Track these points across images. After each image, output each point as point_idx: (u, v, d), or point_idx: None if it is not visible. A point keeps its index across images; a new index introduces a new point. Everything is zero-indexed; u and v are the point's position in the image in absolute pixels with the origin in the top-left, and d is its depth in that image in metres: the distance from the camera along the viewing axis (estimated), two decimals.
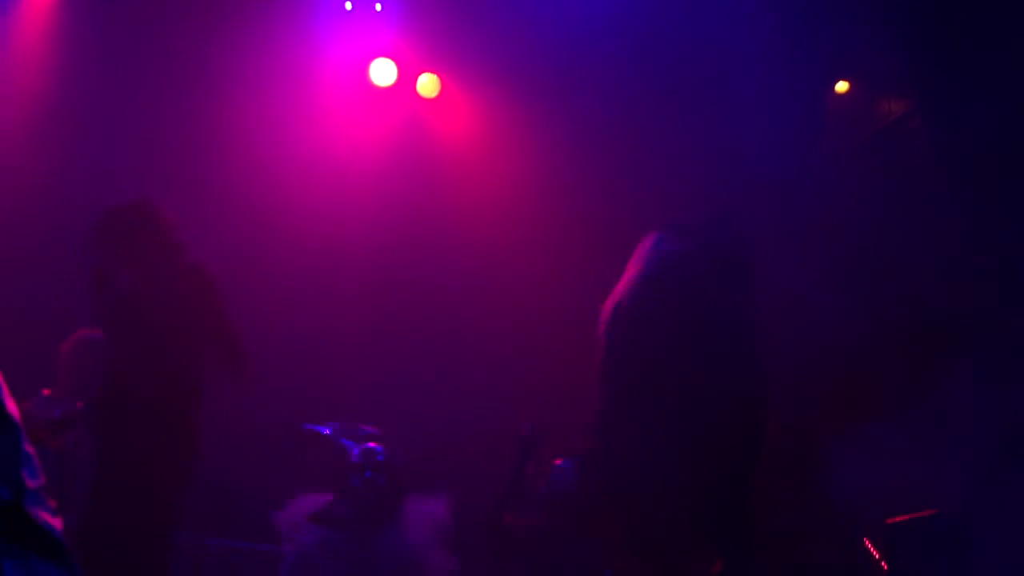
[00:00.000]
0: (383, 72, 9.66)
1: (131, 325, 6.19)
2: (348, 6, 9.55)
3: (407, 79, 9.76)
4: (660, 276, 5.82)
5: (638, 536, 6.11)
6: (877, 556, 6.68)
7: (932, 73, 8.01)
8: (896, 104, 8.81)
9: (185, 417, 6.22)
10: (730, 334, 5.81)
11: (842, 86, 9.14)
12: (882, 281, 7.53)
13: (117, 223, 6.32)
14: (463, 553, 6.38)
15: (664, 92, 8.88)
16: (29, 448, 2.36)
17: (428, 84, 9.81)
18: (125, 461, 6.13)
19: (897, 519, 6.53)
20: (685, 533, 6.05)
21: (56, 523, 2.34)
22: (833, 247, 7.88)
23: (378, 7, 9.56)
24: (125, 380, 6.15)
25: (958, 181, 7.63)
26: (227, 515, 7.86)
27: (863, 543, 6.70)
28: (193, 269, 6.32)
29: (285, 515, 6.59)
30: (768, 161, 8.16)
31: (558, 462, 6.40)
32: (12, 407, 2.37)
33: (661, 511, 6.05)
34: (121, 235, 6.30)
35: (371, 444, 6.34)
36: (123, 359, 6.17)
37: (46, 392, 7.37)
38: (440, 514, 6.38)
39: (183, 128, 9.17)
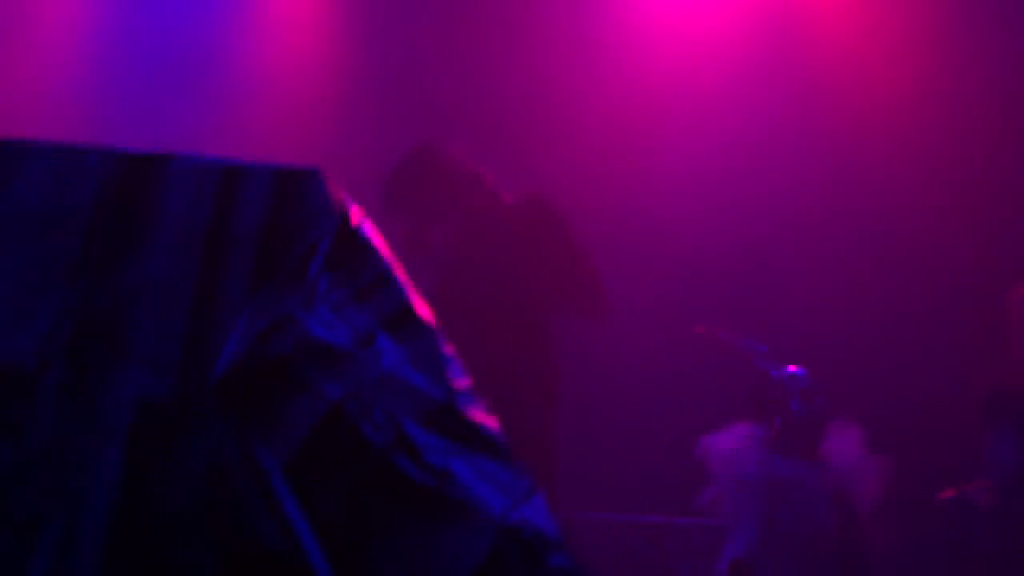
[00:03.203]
0: None
1: (455, 288, 5.59)
2: None
3: None
4: None
5: None
6: None
7: None
8: None
9: (541, 373, 5.62)
10: None
11: None
12: None
13: (404, 182, 5.62)
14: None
15: None
16: (450, 349, 2.37)
17: None
18: None
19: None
20: None
21: (492, 422, 2.33)
22: None
23: None
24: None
25: None
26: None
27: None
28: (521, 204, 5.62)
29: (715, 449, 6.20)
30: None
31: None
32: (424, 311, 2.38)
33: None
34: (413, 193, 5.60)
35: (792, 368, 6.11)
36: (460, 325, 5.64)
37: None
38: (859, 443, 6.15)
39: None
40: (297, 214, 2.35)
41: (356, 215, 2.40)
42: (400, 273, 2.40)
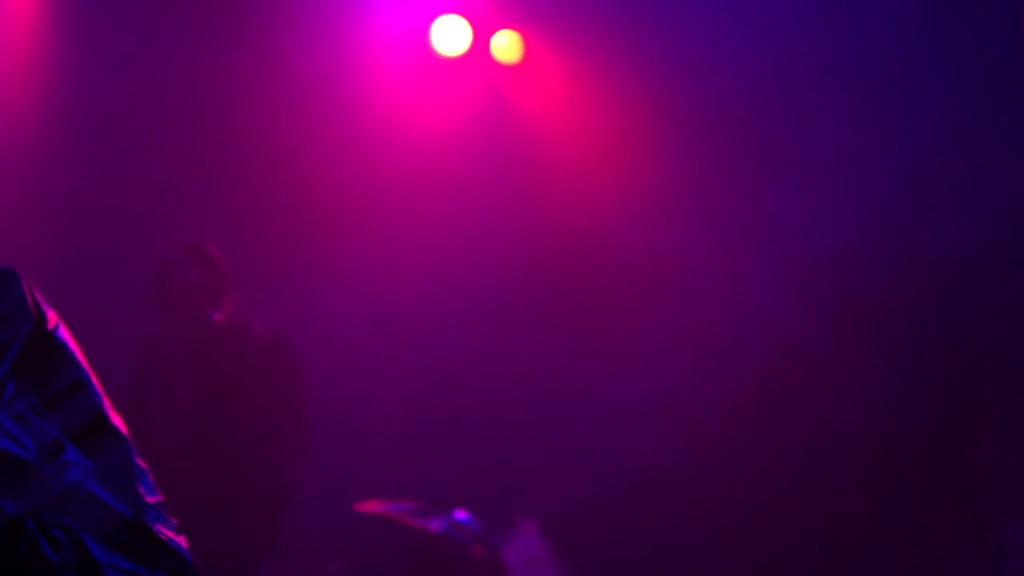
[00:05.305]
0: (450, 35, 7.94)
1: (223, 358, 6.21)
2: None
3: (480, 42, 7.97)
4: None
5: None
6: None
7: None
8: None
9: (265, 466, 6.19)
10: None
11: None
12: None
13: (216, 254, 6.20)
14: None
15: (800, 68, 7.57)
16: (141, 462, 2.31)
17: (507, 46, 8.02)
18: None
19: None
20: None
21: (181, 540, 2.28)
22: None
23: None
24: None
25: None
26: None
27: None
28: (267, 330, 6.27)
29: None
30: None
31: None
32: (118, 420, 2.33)
33: None
34: (223, 267, 6.19)
35: (457, 514, 6.18)
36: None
37: None
38: (537, 541, 6.33)
39: (208, 113, 7.78)
40: None
41: (52, 318, 2.32)
42: (95, 380, 2.34)
